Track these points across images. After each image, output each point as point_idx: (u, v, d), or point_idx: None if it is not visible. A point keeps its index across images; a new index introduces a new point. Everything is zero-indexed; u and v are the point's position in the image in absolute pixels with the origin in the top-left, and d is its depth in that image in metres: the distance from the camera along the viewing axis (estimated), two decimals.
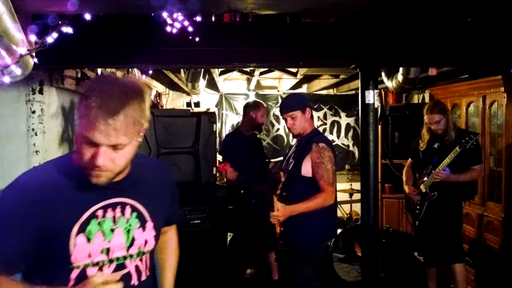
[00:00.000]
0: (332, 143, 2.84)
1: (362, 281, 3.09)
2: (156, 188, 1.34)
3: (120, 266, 1.23)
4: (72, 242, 1.13)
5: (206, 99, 6.75)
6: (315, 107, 6.62)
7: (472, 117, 4.28)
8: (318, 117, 6.73)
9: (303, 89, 7.03)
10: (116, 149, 1.10)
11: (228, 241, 4.03)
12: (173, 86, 6.42)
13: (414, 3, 2.38)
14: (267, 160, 4.13)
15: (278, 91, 6.91)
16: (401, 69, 3.98)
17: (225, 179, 3.99)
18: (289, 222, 2.59)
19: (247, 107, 3.89)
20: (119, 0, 2.09)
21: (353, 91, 6.33)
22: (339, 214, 5.14)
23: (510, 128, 3.73)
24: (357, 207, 4.26)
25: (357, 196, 4.35)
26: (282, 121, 5.69)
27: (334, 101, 6.81)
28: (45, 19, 1.99)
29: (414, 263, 4.26)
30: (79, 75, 3.16)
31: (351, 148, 6.81)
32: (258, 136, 4.22)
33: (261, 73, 5.96)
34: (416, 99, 6.36)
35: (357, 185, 3.75)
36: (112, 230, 1.20)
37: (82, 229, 1.15)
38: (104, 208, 1.19)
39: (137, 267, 1.27)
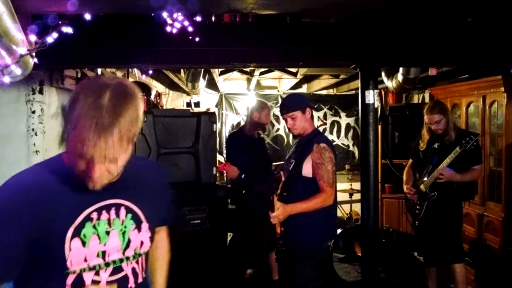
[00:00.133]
0: (332, 143, 2.84)
1: (362, 281, 3.09)
2: (150, 189, 1.31)
3: (117, 269, 1.19)
4: (67, 246, 1.09)
5: (206, 99, 6.75)
6: (315, 107, 6.62)
7: (472, 117, 4.28)
8: (318, 117, 6.73)
9: (303, 89, 7.03)
10: (111, 162, 1.06)
11: (228, 241, 4.03)
12: (173, 86, 6.42)
13: (414, 3, 2.38)
14: (271, 161, 4.12)
15: (278, 91, 6.92)
16: (401, 69, 3.98)
17: (225, 179, 3.99)
18: (290, 222, 2.59)
19: (251, 108, 3.88)
20: (119, 0, 2.09)
21: (353, 91, 6.34)
22: (339, 214, 5.15)
23: (510, 128, 3.73)
24: (357, 207, 4.26)
25: (357, 196, 4.35)
26: (282, 121, 5.68)
27: (334, 101, 6.81)
28: (45, 19, 2.00)
29: (414, 263, 4.26)
30: (79, 75, 3.16)
31: (351, 148, 6.81)
32: (261, 135, 4.21)
33: (261, 73, 5.96)
34: (416, 99, 6.36)
35: (357, 185, 3.75)
36: (108, 233, 1.17)
37: (77, 233, 1.11)
38: (99, 210, 1.15)
39: (133, 270, 1.24)
